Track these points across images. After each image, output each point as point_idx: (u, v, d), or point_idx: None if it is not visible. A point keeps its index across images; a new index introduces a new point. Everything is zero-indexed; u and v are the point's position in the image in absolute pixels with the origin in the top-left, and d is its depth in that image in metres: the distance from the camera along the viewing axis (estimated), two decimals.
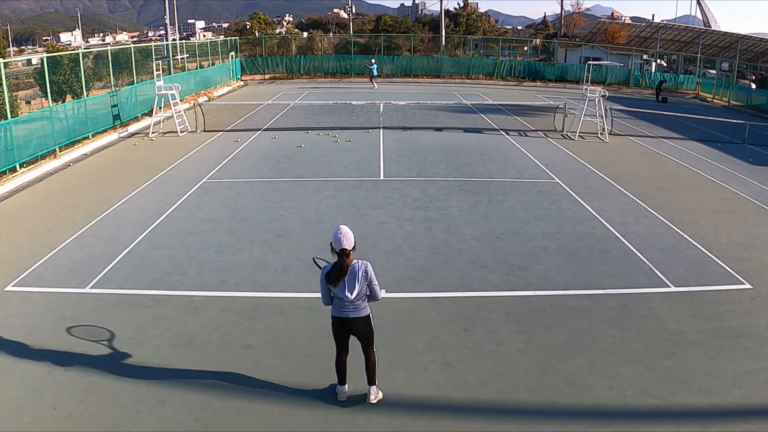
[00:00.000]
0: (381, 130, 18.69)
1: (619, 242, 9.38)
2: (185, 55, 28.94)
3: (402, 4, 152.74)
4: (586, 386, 5.57)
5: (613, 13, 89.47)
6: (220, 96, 29.00)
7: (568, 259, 8.62)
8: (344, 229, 4.70)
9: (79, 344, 6.11)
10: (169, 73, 24.80)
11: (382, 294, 7.27)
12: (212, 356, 5.95)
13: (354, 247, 4.70)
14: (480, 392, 5.47)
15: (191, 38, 70.84)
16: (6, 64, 13.85)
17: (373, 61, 33.66)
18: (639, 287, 7.77)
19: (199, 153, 15.45)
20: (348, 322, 4.92)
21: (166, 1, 34.91)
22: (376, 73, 32.79)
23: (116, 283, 7.56)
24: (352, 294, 4.73)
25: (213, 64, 31.81)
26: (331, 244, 4.72)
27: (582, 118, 19.02)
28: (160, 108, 18.81)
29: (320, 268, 4.90)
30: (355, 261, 4.77)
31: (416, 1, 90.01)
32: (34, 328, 6.43)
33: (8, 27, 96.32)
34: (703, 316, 7.00)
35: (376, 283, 4.88)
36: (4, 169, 12.53)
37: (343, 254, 4.65)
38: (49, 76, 15.18)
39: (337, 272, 4.67)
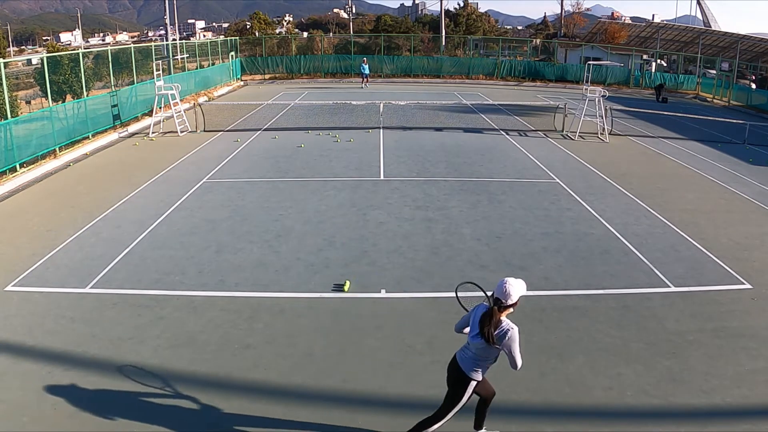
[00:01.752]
0: (381, 130, 18.69)
1: (619, 242, 9.39)
2: (185, 55, 28.95)
3: (402, 4, 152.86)
4: (586, 386, 5.57)
5: (613, 13, 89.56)
6: (220, 96, 28.99)
7: (568, 259, 8.62)
8: (510, 281, 4.09)
9: (79, 344, 6.11)
10: (169, 73, 24.80)
11: (382, 293, 7.33)
12: (212, 356, 5.95)
13: (514, 304, 4.09)
14: None
15: (191, 38, 70.87)
16: (6, 64, 13.85)
17: (365, 60, 33.67)
18: (639, 287, 7.77)
19: (199, 153, 15.45)
20: (452, 361, 4.42)
21: (166, 1, 34.89)
22: (367, 73, 32.89)
23: (116, 283, 7.56)
24: (474, 342, 4.17)
25: (213, 64, 31.81)
26: (493, 291, 4.15)
27: (582, 118, 19.02)
28: (160, 108, 18.81)
29: (464, 307, 4.48)
30: (504, 320, 4.08)
31: (416, 1, 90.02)
32: (34, 328, 6.43)
33: (8, 27, 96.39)
34: (703, 316, 7.00)
35: (516, 352, 4.06)
36: (4, 169, 12.53)
37: (496, 304, 4.07)
38: (49, 76, 15.18)
39: (486, 322, 4.05)
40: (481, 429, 4.81)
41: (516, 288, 4.06)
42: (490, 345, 4.05)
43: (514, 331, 4.04)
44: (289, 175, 13.18)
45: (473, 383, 4.29)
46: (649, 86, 35.99)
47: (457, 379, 4.33)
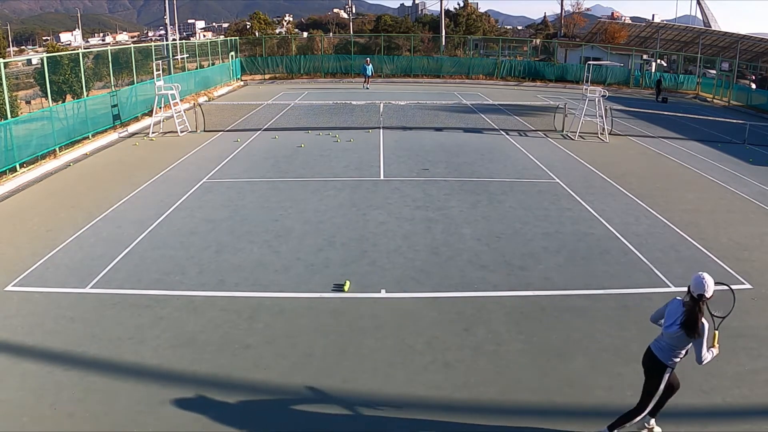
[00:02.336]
0: (381, 130, 18.69)
1: (619, 242, 9.38)
2: (185, 55, 28.93)
3: (402, 4, 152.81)
4: (587, 386, 5.57)
5: (613, 13, 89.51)
6: (220, 96, 28.99)
7: (568, 259, 8.62)
8: (707, 276, 4.39)
9: (79, 344, 6.11)
10: (169, 73, 24.80)
11: (382, 293, 7.33)
12: (212, 356, 5.95)
13: (711, 297, 4.37)
14: (480, 392, 5.47)
15: (191, 38, 70.85)
16: (6, 64, 13.85)
17: (368, 60, 33.49)
18: (639, 287, 7.77)
19: (199, 153, 15.45)
20: (647, 352, 4.70)
21: (166, 1, 34.88)
22: (370, 74, 32.70)
23: (116, 283, 7.56)
24: (668, 331, 4.50)
25: (213, 64, 31.81)
26: (689, 286, 4.43)
27: (582, 118, 19.02)
28: (160, 108, 18.80)
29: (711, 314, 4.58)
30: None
31: (416, 1, 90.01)
32: (34, 328, 6.43)
33: (8, 27, 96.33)
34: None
35: (702, 347, 4.36)
36: (4, 169, 12.52)
37: (700, 299, 4.34)
38: (49, 76, 15.17)
39: (688, 316, 4.34)
40: (654, 417, 4.97)
41: (712, 281, 4.40)
42: (689, 334, 4.34)
43: (707, 327, 4.38)
44: (289, 175, 13.18)
45: (669, 370, 4.59)
46: (650, 86, 35.99)
47: (653, 368, 4.63)
